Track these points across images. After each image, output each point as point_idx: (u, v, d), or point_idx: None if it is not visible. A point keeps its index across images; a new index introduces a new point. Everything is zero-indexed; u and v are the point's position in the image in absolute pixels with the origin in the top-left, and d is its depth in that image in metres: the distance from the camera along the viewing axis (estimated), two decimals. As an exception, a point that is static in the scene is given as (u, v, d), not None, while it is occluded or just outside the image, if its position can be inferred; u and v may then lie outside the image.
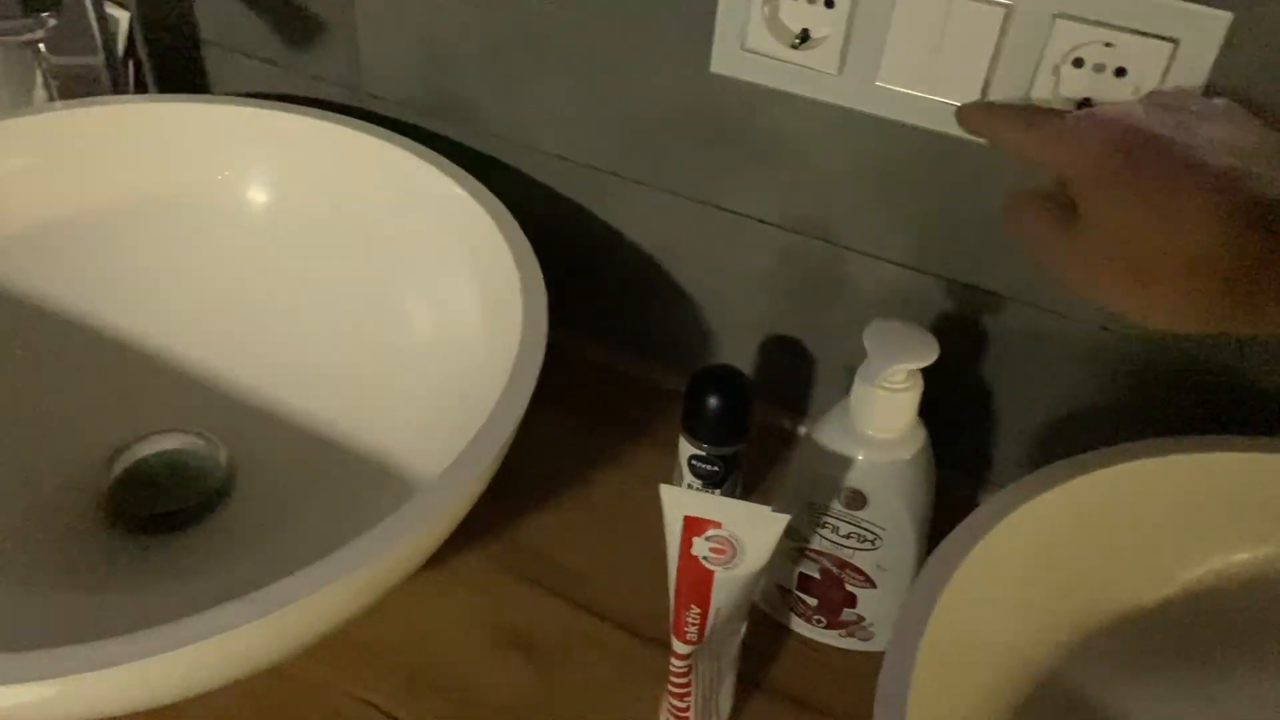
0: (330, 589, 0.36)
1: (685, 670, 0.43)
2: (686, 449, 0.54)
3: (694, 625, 0.41)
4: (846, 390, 0.56)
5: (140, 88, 0.69)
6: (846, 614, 0.50)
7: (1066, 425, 0.53)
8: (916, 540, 0.46)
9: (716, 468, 0.53)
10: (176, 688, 0.39)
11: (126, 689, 0.36)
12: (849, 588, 0.49)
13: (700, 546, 0.39)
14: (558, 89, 0.56)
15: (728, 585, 0.40)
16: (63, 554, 0.51)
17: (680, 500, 0.39)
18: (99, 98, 0.58)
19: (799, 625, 0.51)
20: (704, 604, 0.40)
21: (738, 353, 0.60)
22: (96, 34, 0.59)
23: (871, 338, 0.42)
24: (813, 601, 0.50)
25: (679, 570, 0.40)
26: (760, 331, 0.59)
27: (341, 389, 0.55)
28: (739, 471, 0.55)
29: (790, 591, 0.50)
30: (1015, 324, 0.52)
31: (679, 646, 0.42)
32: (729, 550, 0.39)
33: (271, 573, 0.49)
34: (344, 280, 0.56)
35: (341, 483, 0.53)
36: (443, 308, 0.54)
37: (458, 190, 0.53)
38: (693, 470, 0.54)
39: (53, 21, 0.48)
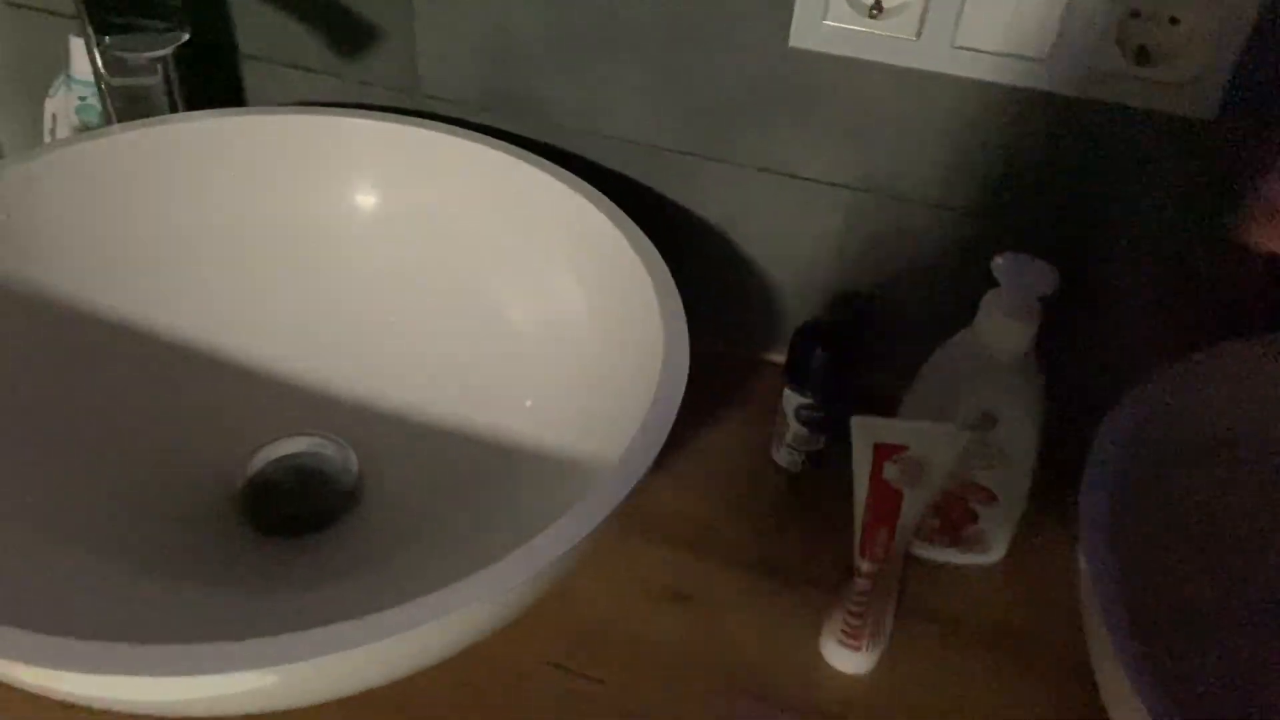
0: (547, 566, 0.38)
1: (868, 589, 0.47)
2: (793, 399, 0.58)
3: (882, 545, 0.45)
4: (920, 338, 0.61)
5: (172, 106, 0.69)
6: (968, 531, 0.54)
7: (1135, 347, 0.59)
8: (1037, 453, 0.51)
9: (823, 414, 0.57)
10: (387, 672, 0.40)
11: (350, 672, 0.38)
12: (972, 505, 0.53)
13: (890, 470, 0.43)
14: (627, 74, 0.59)
15: (912, 504, 0.44)
16: (200, 553, 0.51)
17: (870, 428, 0.43)
18: (201, 112, 0.58)
19: (920, 548, 0.56)
20: (892, 523, 0.44)
21: (811, 313, 0.64)
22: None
23: (1002, 269, 0.47)
24: (935, 522, 0.54)
25: (870, 494, 0.44)
26: (831, 290, 0.63)
27: (463, 388, 0.56)
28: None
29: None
30: (1082, 266, 0.57)
31: (866, 566, 0.46)
32: (915, 471, 0.43)
33: (411, 569, 0.50)
34: (458, 282, 0.57)
35: (472, 481, 0.54)
36: (557, 305, 0.56)
37: (571, 193, 0.55)
38: (799, 419, 0.58)
39: (185, 35, 0.48)
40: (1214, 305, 0.56)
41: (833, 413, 0.58)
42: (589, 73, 0.60)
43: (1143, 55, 0.50)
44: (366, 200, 0.58)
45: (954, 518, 0.54)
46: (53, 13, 0.69)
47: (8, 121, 0.76)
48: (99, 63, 0.58)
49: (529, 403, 0.55)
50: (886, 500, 0.44)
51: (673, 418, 0.44)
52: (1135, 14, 0.50)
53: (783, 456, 0.60)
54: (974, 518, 0.54)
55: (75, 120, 0.67)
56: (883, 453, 0.43)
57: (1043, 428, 0.51)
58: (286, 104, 0.67)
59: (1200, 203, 0.53)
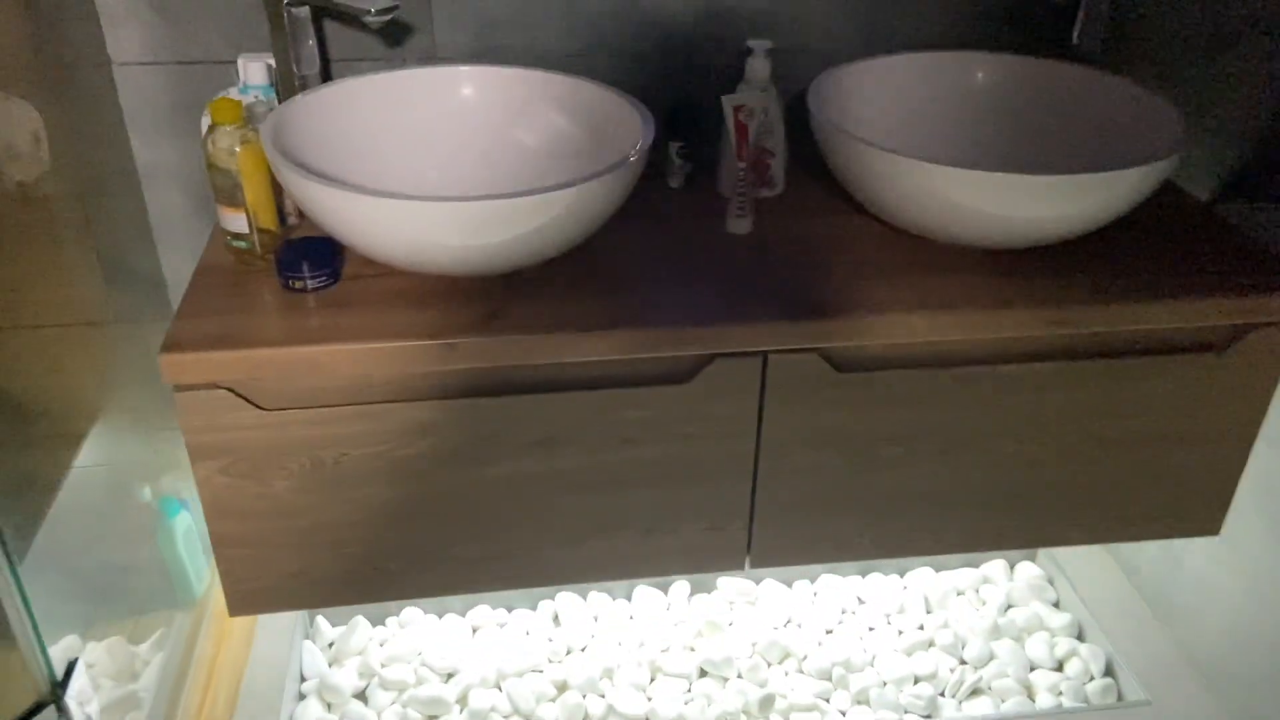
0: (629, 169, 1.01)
1: (746, 177, 1.12)
2: (673, 147, 1.23)
3: (746, 153, 1.11)
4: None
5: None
6: (766, 178, 1.22)
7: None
8: (784, 128, 1.20)
9: (689, 149, 1.23)
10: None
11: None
12: (767, 161, 1.21)
13: (741, 115, 1.10)
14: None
15: (753, 133, 1.11)
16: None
17: (730, 99, 1.09)
18: (380, 71, 1.14)
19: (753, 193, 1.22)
20: (746, 140, 1.10)
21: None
22: (316, 56, 1.15)
23: (751, 49, 1.15)
24: (754, 178, 1.21)
25: (737, 132, 1.10)
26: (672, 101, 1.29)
27: (537, 168, 1.16)
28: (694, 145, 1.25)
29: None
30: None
31: (742, 163, 1.11)
32: (749, 112, 1.10)
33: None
34: (519, 124, 1.18)
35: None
36: (570, 123, 1.17)
37: (577, 81, 1.17)
38: (679, 156, 1.23)
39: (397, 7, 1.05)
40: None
41: (693, 147, 1.23)
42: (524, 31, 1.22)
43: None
44: (473, 98, 1.17)
45: (760, 171, 1.21)
46: (209, 63, 1.21)
47: (174, 137, 1.25)
48: (294, 65, 1.13)
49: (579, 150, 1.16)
50: (742, 131, 1.10)
51: (653, 136, 1.07)
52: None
53: (674, 180, 1.25)
54: (768, 169, 1.22)
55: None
56: (737, 109, 1.09)
57: (783, 116, 1.20)
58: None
59: None
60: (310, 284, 1.03)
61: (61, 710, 0.97)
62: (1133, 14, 1.31)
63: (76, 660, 1.01)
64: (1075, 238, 1.09)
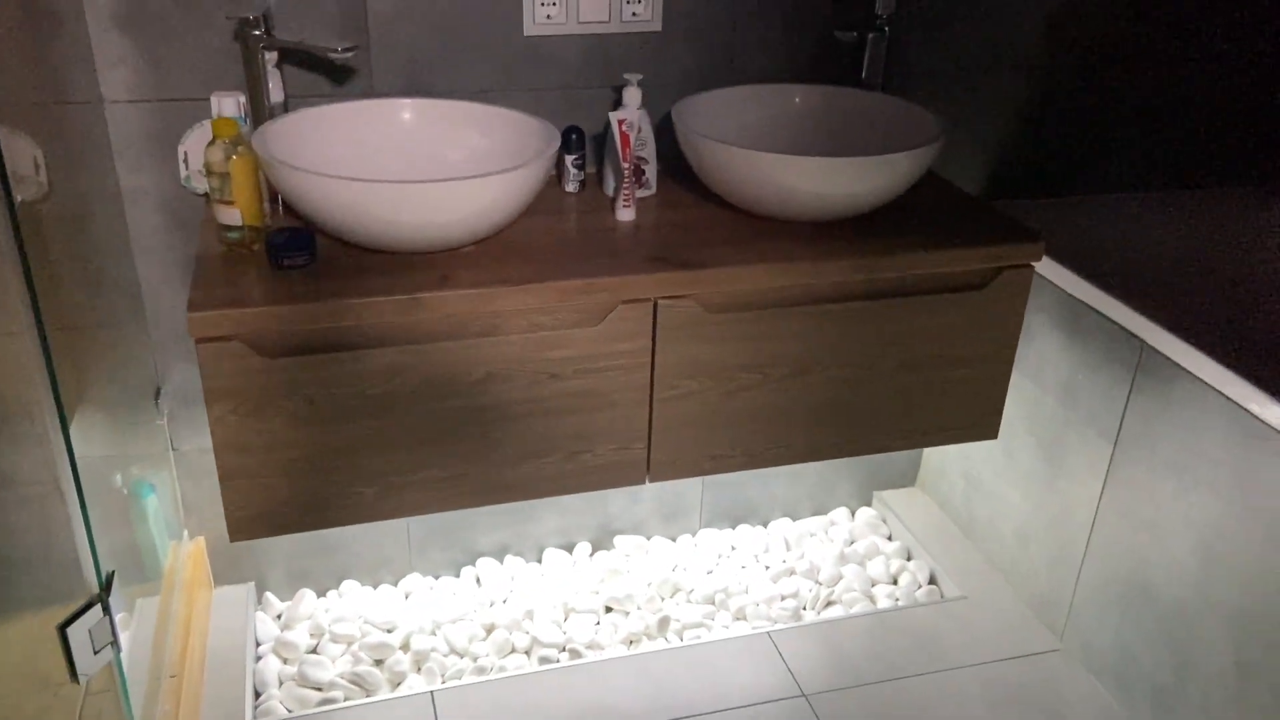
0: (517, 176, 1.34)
1: (630, 175, 1.47)
2: (567, 159, 1.57)
3: (629, 156, 1.46)
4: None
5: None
6: (642, 181, 1.57)
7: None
8: (654, 138, 1.56)
9: (581, 160, 1.57)
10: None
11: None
12: (642, 168, 1.56)
13: (626, 126, 1.45)
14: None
15: (635, 140, 1.46)
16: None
17: (615, 115, 1.44)
18: (333, 103, 1.43)
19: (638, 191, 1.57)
20: (629, 144, 1.46)
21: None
22: (281, 91, 1.44)
23: (628, 80, 1.51)
24: (634, 181, 1.56)
25: (621, 139, 1.45)
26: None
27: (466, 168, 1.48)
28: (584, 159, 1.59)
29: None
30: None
31: (626, 165, 1.46)
32: (631, 125, 1.45)
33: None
34: (450, 141, 1.49)
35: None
36: (488, 141, 1.50)
37: (497, 109, 1.50)
38: (573, 165, 1.57)
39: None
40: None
41: (584, 159, 1.58)
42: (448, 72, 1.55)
43: None
44: (410, 123, 1.48)
45: (637, 175, 1.56)
46: (186, 100, 1.48)
47: (153, 165, 1.51)
48: (268, 95, 1.42)
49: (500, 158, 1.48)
50: (625, 138, 1.44)
51: (559, 143, 1.41)
52: None
53: (569, 186, 1.59)
54: (644, 174, 1.57)
55: (224, 137, 1.46)
56: (620, 121, 1.44)
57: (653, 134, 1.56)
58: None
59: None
60: (298, 261, 1.31)
61: (106, 609, 1.19)
62: (902, 56, 1.74)
63: (114, 572, 1.23)
64: (873, 211, 1.47)
